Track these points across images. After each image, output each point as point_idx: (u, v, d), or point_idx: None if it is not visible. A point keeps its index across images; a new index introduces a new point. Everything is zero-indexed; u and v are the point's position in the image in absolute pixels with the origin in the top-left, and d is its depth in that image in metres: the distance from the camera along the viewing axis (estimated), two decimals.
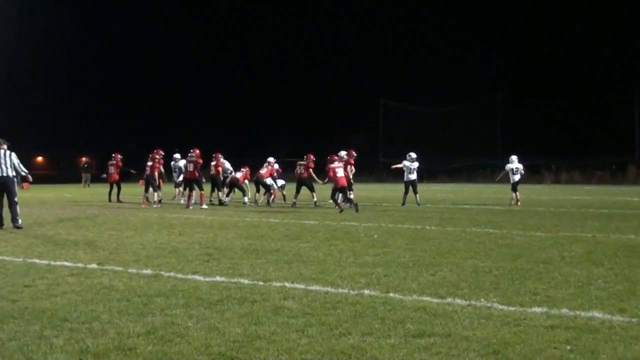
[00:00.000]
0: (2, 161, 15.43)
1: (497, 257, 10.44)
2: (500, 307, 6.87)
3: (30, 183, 16.99)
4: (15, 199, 15.52)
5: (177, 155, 28.10)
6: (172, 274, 8.92)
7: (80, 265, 9.75)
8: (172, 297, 7.36)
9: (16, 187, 15.82)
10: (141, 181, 26.04)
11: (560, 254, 10.78)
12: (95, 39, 78.79)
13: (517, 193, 24.60)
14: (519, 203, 24.25)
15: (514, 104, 62.86)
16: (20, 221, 15.41)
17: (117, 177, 28.42)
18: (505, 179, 25.88)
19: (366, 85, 72.51)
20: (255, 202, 24.65)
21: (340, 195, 21.56)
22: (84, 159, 59.52)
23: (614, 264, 9.75)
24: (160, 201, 25.25)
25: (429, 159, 56.51)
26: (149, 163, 25.00)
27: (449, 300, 7.20)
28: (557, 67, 68.23)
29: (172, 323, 6.21)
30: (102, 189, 33.39)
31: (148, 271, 9.12)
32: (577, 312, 6.64)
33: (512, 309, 6.79)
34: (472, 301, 7.13)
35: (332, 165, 21.70)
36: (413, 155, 24.32)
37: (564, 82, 66.47)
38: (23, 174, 16.14)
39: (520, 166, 25.05)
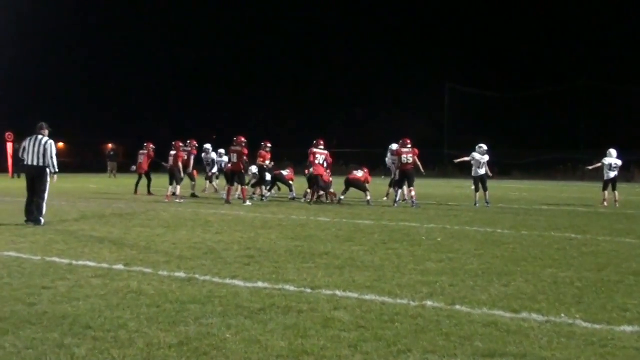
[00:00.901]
0: (36, 149, 15.44)
1: (580, 267, 10.28)
2: (584, 324, 6.75)
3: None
4: (44, 195, 15.49)
5: (208, 146, 28.35)
6: (208, 277, 8.95)
7: (105, 265, 9.84)
8: (208, 305, 7.38)
9: (49, 181, 15.71)
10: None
11: None
12: (126, 19, 79.81)
13: (616, 192, 24.64)
14: (617, 204, 24.07)
15: (600, 89, 61.72)
16: (43, 221, 15.29)
17: (146, 167, 28.80)
18: (595, 173, 25.59)
19: (430, 67, 71.88)
20: (305, 196, 24.66)
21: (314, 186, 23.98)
22: (110, 146, 60.45)
23: None
24: (193, 195, 25.60)
25: (500, 151, 55.99)
26: (173, 152, 25.04)
27: (524, 315, 7.10)
28: None
29: (207, 334, 6.22)
30: (130, 180, 33.73)
31: (181, 274, 9.17)
32: None
33: (598, 327, 6.67)
34: (551, 317, 7.02)
35: (315, 150, 23.78)
36: (484, 147, 23.91)
37: None
38: (50, 169, 15.66)
39: (619, 162, 24.79)
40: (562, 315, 7.10)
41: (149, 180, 28.42)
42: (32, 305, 7.25)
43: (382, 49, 77.37)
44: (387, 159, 25.98)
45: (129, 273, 9.24)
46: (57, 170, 15.92)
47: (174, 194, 24.20)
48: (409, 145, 22.91)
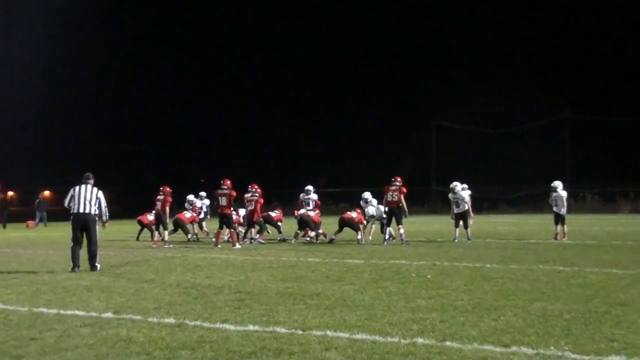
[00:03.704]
0: (87, 197, 16.23)
1: (568, 299, 10.33)
2: (573, 355, 6.82)
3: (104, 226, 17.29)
4: (96, 240, 16.27)
5: (191, 197, 28.28)
6: (198, 322, 8.93)
7: (93, 314, 9.77)
8: (199, 350, 7.38)
9: (97, 227, 16.53)
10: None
11: None
12: (110, 63, 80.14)
13: (565, 226, 24.48)
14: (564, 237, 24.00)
15: (586, 122, 61.98)
16: (99, 267, 16.02)
17: (146, 220, 28.42)
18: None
19: (415, 104, 72.22)
20: (296, 237, 24.69)
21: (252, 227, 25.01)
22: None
23: None
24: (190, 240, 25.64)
25: (489, 186, 56.22)
26: (160, 197, 24.89)
27: (514, 348, 7.15)
28: (636, 79, 67.22)
29: None
30: (118, 227, 33.47)
31: (171, 320, 9.14)
32: None
33: (587, 358, 6.74)
34: (541, 349, 7.07)
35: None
36: (456, 187, 24.03)
37: None
38: (104, 218, 16.76)
39: (563, 194, 24.65)
40: (551, 347, 7.16)
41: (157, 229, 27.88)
42: (19, 358, 7.23)
43: (368, 88, 77.89)
44: (362, 203, 25.58)
45: (118, 321, 9.18)
46: (108, 218, 17.12)
47: (162, 239, 24.18)
48: (397, 183, 22.97)
